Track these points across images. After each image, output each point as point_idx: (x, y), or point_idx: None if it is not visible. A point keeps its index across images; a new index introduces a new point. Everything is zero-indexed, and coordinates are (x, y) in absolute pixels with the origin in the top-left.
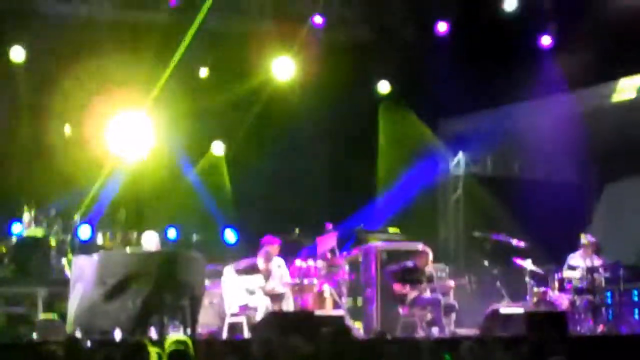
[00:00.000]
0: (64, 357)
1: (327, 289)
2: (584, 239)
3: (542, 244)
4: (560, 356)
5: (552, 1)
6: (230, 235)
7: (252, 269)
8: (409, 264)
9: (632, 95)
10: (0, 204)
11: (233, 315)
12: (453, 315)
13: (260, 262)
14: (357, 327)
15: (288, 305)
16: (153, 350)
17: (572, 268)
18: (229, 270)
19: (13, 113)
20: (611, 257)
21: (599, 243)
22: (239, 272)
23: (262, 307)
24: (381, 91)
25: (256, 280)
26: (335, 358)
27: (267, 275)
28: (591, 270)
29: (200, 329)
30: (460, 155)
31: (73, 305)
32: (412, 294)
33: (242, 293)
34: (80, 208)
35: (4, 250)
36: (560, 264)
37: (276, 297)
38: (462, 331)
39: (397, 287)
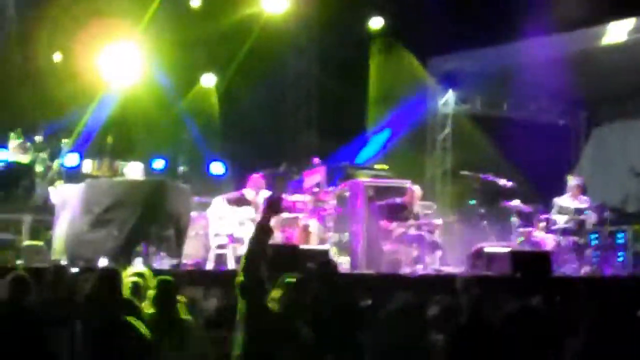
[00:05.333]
0: (50, 283)
1: (313, 223)
2: (571, 180)
3: (529, 183)
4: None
5: None
6: (217, 168)
7: (242, 201)
8: (397, 200)
9: (623, 38)
10: None
11: (219, 246)
12: (438, 253)
13: (249, 193)
14: (343, 262)
15: (274, 239)
16: (126, 278)
17: (561, 210)
18: (218, 201)
19: (1, 40)
20: (597, 200)
21: (585, 184)
22: (230, 202)
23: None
24: (373, 27)
25: (246, 211)
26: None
27: (257, 207)
28: (578, 212)
29: (185, 260)
30: (450, 93)
31: (59, 233)
32: (398, 231)
33: (231, 224)
34: (68, 135)
35: None
36: (546, 204)
37: None
38: (447, 269)
39: (384, 223)
